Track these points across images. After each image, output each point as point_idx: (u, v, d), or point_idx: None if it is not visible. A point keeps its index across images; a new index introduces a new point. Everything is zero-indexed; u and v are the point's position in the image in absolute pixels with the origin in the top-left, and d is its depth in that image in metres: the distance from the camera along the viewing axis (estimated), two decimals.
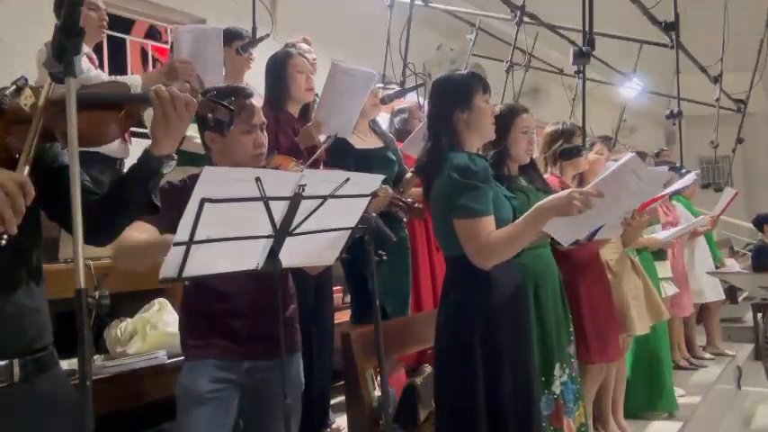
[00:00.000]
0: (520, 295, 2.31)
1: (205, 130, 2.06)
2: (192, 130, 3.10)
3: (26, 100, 1.42)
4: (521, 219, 2.13)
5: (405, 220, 3.19)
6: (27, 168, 1.30)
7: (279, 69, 3.11)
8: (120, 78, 3.24)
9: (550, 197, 2.12)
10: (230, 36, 3.44)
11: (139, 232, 1.77)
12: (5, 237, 1.24)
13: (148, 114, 3.07)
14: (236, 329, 1.99)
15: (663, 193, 3.32)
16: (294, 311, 2.15)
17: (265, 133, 2.08)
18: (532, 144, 2.78)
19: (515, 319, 2.24)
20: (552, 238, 2.38)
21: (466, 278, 2.18)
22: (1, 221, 1.22)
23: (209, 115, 1.60)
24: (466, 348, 2.15)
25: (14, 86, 1.43)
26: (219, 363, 1.97)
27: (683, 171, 4.60)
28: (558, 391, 2.60)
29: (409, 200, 3.01)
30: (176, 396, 1.99)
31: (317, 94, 3.28)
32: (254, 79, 3.35)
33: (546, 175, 3.28)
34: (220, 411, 1.97)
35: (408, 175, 3.33)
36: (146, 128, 3.54)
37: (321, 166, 3.06)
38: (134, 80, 3.11)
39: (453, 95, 2.27)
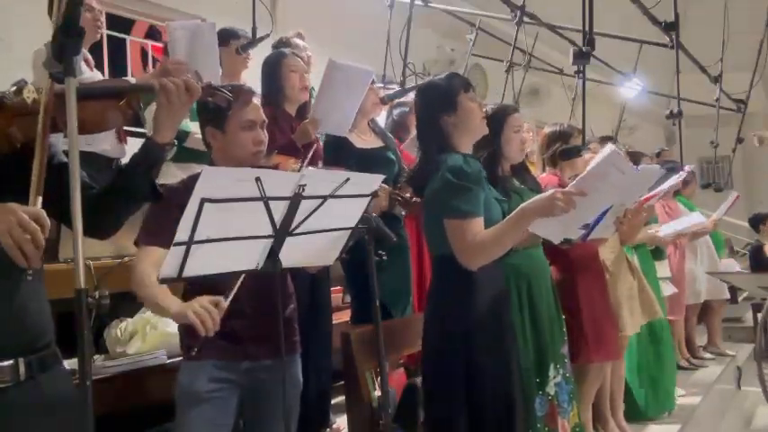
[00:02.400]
0: (503, 297, 2.33)
1: (206, 126, 2.06)
2: (195, 127, 3.11)
3: (28, 94, 1.44)
4: (505, 219, 2.15)
5: (404, 213, 3.20)
6: (40, 199, 1.33)
7: (272, 70, 3.13)
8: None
9: (534, 198, 2.13)
10: (228, 36, 3.44)
11: (152, 266, 1.83)
12: (30, 272, 1.30)
13: (149, 113, 3.07)
14: (236, 330, 1.98)
15: (657, 191, 3.32)
16: (293, 312, 2.15)
17: (265, 131, 2.09)
18: (525, 143, 2.78)
19: (497, 321, 2.25)
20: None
21: (450, 278, 2.20)
22: (25, 258, 1.26)
23: (209, 99, 1.64)
24: (448, 349, 2.17)
25: (15, 87, 1.45)
26: (219, 363, 1.98)
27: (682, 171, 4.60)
28: (552, 392, 2.60)
29: (407, 195, 3.02)
30: (176, 396, 1.99)
31: (312, 88, 3.28)
32: (252, 79, 3.35)
33: (544, 174, 3.28)
34: (220, 411, 1.97)
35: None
36: (143, 128, 3.54)
37: (320, 164, 3.07)
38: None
39: (437, 100, 2.28)
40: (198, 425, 1.94)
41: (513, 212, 2.13)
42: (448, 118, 2.25)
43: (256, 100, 2.09)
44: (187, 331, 2.06)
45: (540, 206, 2.06)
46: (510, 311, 2.43)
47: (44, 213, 1.30)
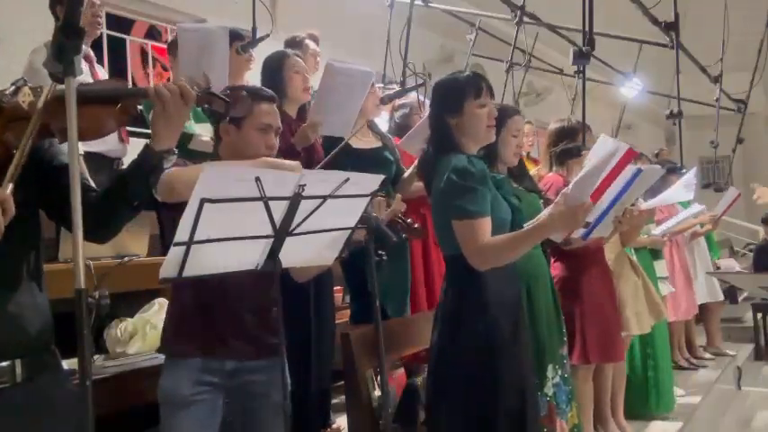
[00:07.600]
0: (516, 295, 2.31)
1: (221, 121, 2.06)
2: (199, 129, 3.10)
3: (24, 98, 1.43)
4: (524, 230, 2.14)
5: (404, 236, 3.17)
6: (11, 186, 1.29)
7: (274, 70, 3.10)
8: None
9: (556, 214, 2.09)
10: (231, 38, 3.43)
11: None
12: None
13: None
14: (221, 329, 1.96)
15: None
16: (277, 314, 2.12)
17: (278, 139, 2.09)
18: (521, 147, 2.77)
19: (512, 319, 2.23)
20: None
21: (463, 277, 2.19)
22: None
23: (205, 106, 1.62)
24: (461, 348, 2.16)
25: (13, 87, 1.44)
26: (201, 363, 1.94)
27: (683, 171, 4.61)
28: (550, 393, 2.59)
29: (408, 220, 3.00)
30: (159, 400, 1.95)
31: (313, 87, 3.27)
32: (254, 80, 3.35)
33: (550, 174, 3.26)
34: (206, 413, 1.94)
35: (407, 174, 3.32)
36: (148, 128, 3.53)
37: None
38: None
39: (445, 100, 2.27)
40: (185, 428, 1.91)
41: (534, 225, 2.12)
42: (451, 120, 2.24)
43: (275, 106, 2.09)
44: (171, 329, 2.03)
45: (566, 224, 2.10)
46: (523, 306, 2.40)
47: (10, 199, 1.26)
